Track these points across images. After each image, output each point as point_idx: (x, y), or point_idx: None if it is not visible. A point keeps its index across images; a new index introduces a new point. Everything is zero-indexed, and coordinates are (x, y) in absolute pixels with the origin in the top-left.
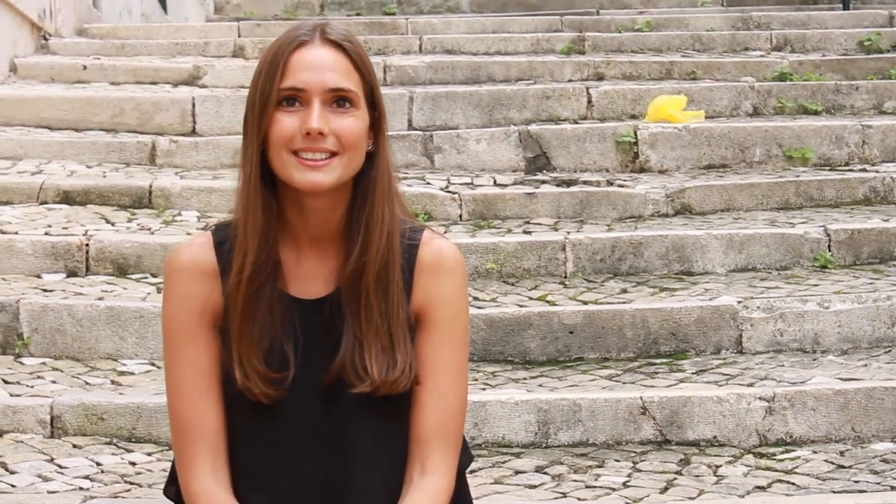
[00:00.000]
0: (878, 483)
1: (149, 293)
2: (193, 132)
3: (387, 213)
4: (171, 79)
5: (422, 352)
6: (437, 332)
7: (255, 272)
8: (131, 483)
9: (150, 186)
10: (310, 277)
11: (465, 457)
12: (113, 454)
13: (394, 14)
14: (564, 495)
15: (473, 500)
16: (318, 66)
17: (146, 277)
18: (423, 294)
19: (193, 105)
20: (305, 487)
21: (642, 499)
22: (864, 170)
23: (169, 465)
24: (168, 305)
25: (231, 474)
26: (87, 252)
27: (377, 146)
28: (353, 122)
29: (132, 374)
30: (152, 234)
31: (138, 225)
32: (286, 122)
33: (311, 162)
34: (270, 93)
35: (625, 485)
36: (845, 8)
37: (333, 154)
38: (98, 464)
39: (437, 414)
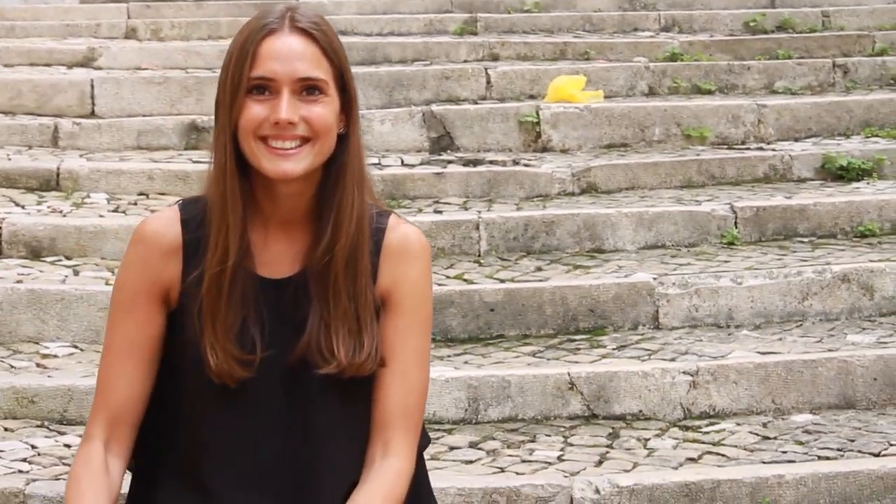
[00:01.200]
0: (804, 453)
1: (66, 276)
2: (93, 114)
3: (357, 197)
4: (65, 61)
5: (386, 336)
6: (402, 317)
7: (227, 255)
8: (68, 464)
9: (58, 169)
10: (277, 258)
11: (424, 439)
12: (46, 437)
13: None
14: (502, 469)
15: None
16: (287, 56)
17: (61, 260)
18: (389, 279)
19: (92, 87)
20: (270, 468)
21: (579, 472)
22: (761, 148)
23: None
24: (122, 272)
25: (195, 454)
26: (0, 235)
27: (348, 129)
28: (323, 110)
29: (56, 356)
30: (64, 216)
31: (48, 207)
32: (255, 110)
33: (280, 151)
34: (240, 81)
35: (559, 458)
36: None
37: (305, 140)
38: (33, 447)
39: (400, 397)
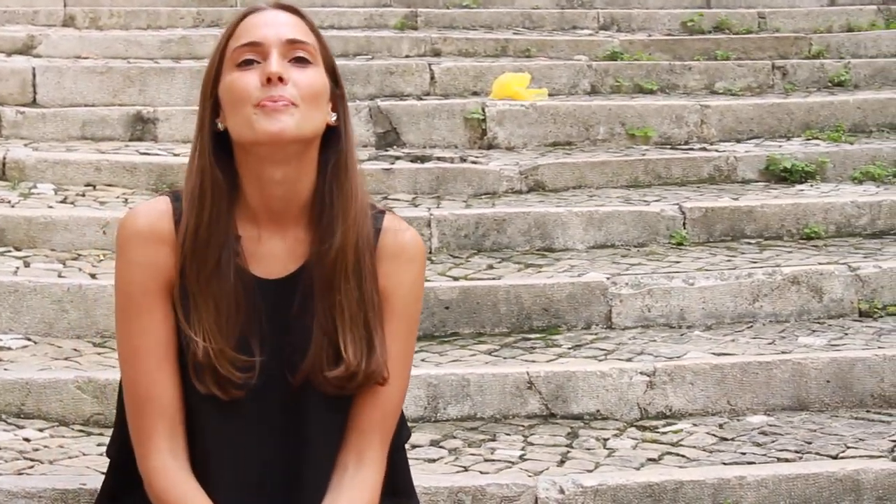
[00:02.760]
0: (763, 455)
1: (17, 267)
2: (34, 103)
3: (361, 191)
4: (4, 48)
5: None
6: (391, 320)
7: (210, 248)
8: (32, 459)
9: (4, 158)
10: (270, 256)
11: (405, 431)
12: (5, 431)
13: None
14: (466, 469)
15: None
16: (273, 23)
17: (10, 251)
18: (383, 281)
19: (34, 75)
20: (263, 476)
21: (542, 471)
22: (704, 149)
23: (64, 440)
24: (123, 272)
25: (198, 457)
26: None
27: (341, 122)
28: (313, 76)
29: (10, 349)
30: (13, 206)
31: None
32: (245, 79)
33: (272, 106)
34: (223, 56)
35: (521, 458)
36: None
37: (291, 104)
38: None
39: (380, 404)
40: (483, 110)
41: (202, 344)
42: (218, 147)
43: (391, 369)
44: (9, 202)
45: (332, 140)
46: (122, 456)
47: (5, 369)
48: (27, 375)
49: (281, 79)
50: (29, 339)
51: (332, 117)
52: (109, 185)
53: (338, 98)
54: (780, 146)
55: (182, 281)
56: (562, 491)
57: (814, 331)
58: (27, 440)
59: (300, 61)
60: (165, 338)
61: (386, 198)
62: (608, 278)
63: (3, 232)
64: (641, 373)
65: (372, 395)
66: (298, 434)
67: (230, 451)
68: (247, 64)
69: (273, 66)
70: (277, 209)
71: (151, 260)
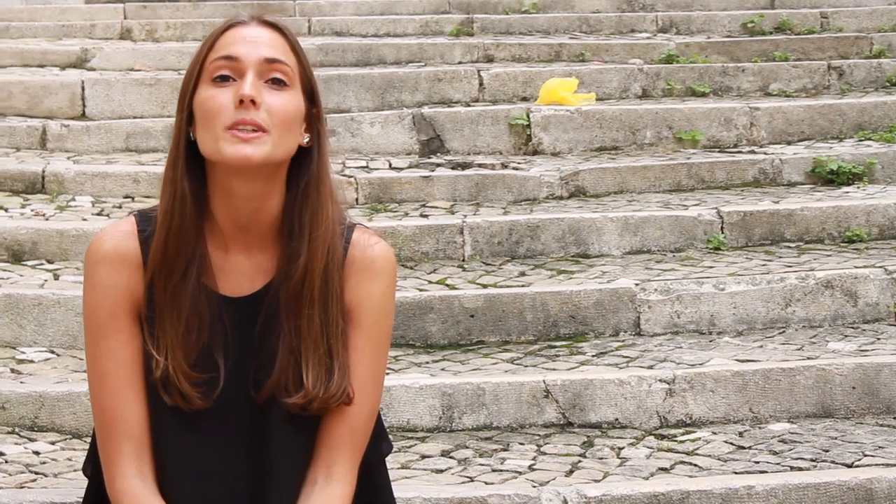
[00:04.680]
0: (777, 464)
1: (46, 280)
2: (83, 116)
3: (330, 213)
4: (58, 62)
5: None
6: (361, 334)
7: (177, 262)
8: (37, 472)
9: (44, 171)
10: (236, 273)
11: (386, 446)
12: (16, 444)
13: None
14: (472, 479)
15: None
16: (253, 40)
17: (42, 264)
18: (350, 295)
19: (83, 88)
20: (225, 493)
21: (548, 482)
22: (753, 151)
23: (74, 453)
24: (90, 295)
25: (160, 473)
26: None
27: (315, 142)
28: (287, 101)
29: (32, 361)
30: (47, 219)
31: (32, 210)
32: (219, 97)
33: (242, 135)
34: (202, 68)
35: (530, 468)
36: None
37: (262, 130)
38: (1, 454)
39: (350, 420)
40: (528, 116)
41: (163, 362)
42: (192, 158)
43: (358, 385)
44: (44, 215)
45: (305, 161)
46: (98, 474)
47: (22, 382)
48: (41, 388)
49: (254, 101)
50: (52, 352)
51: (305, 139)
52: (147, 197)
53: (313, 118)
54: (831, 148)
55: (149, 294)
56: (565, 501)
57: (846, 336)
58: (36, 453)
59: (276, 83)
60: (132, 360)
61: (424, 205)
62: (637, 284)
63: (36, 245)
64: (661, 380)
65: (339, 412)
66: (263, 452)
67: (195, 470)
68: (223, 80)
69: (247, 88)
70: (245, 225)
71: (116, 282)
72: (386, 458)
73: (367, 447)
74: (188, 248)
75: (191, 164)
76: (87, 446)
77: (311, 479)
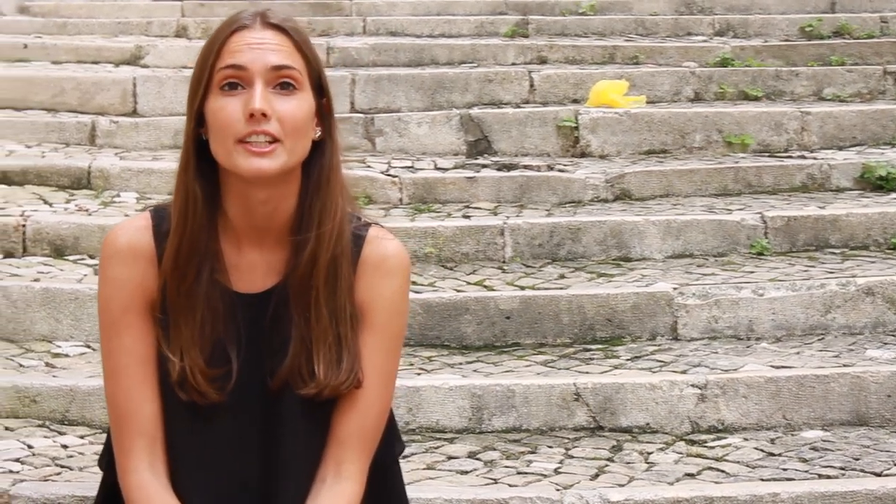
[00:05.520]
0: (806, 471)
1: (85, 275)
2: (135, 112)
3: (340, 206)
4: (112, 58)
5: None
6: (371, 334)
7: (191, 263)
8: (62, 466)
9: (90, 167)
10: (250, 270)
11: (399, 446)
12: (45, 437)
13: None
14: (495, 481)
15: (405, 486)
16: (259, 46)
17: (83, 259)
18: (364, 293)
19: (135, 85)
20: (235, 489)
21: (572, 485)
22: (803, 156)
23: (100, 448)
24: (104, 289)
25: (173, 468)
26: (24, 233)
27: (326, 135)
28: (298, 106)
29: (67, 356)
30: (90, 215)
31: (76, 206)
32: (229, 108)
33: (256, 148)
34: (211, 76)
35: (556, 471)
36: None
37: (275, 140)
38: (29, 447)
39: (360, 417)
40: (576, 118)
41: (178, 363)
42: (204, 160)
43: (369, 383)
44: (87, 210)
45: (317, 153)
46: (113, 468)
47: (54, 376)
48: (72, 382)
49: (265, 114)
50: (88, 347)
51: (317, 133)
52: None
53: (323, 110)
54: (882, 154)
55: (162, 297)
56: None
57: (885, 343)
58: (64, 447)
59: (285, 87)
60: (145, 354)
61: (468, 206)
62: (675, 289)
63: (78, 240)
64: (693, 385)
65: (351, 407)
66: (275, 446)
67: (207, 464)
68: (231, 88)
69: (257, 101)
70: (260, 225)
71: (130, 276)
72: (406, 459)
73: (379, 447)
74: (201, 250)
75: (203, 167)
76: None
77: (320, 477)
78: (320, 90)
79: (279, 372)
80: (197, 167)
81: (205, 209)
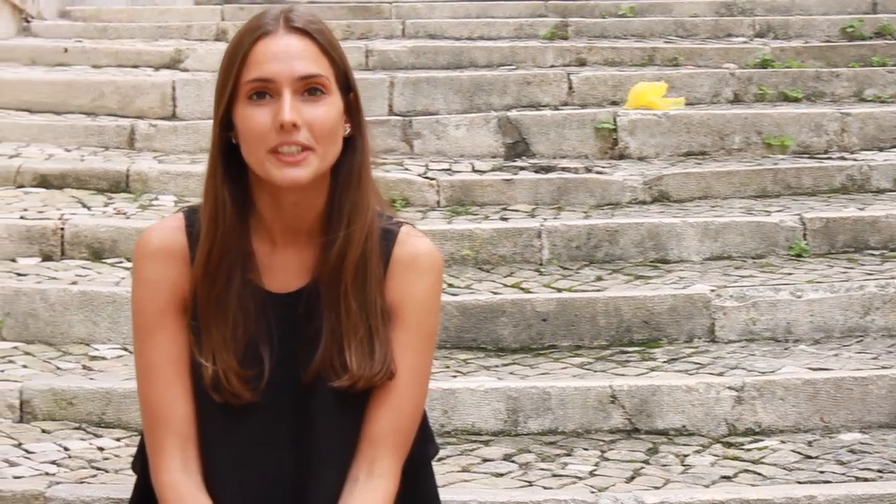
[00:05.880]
0: (843, 474)
1: (123, 278)
2: (174, 116)
3: (368, 202)
4: (152, 62)
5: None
6: (404, 332)
7: (222, 266)
8: (98, 468)
9: (128, 170)
10: (284, 269)
11: (432, 448)
12: (81, 439)
13: None
14: (530, 484)
15: (438, 489)
16: (285, 55)
17: (121, 262)
18: (395, 292)
19: (174, 89)
20: (270, 488)
21: (607, 488)
22: (843, 158)
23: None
24: (137, 290)
25: (206, 468)
26: (63, 236)
27: (356, 131)
28: (326, 112)
29: (104, 358)
30: (128, 218)
31: (114, 209)
32: (258, 118)
33: (288, 158)
34: (237, 85)
35: (591, 473)
36: None
37: (306, 148)
38: (66, 449)
39: (393, 415)
40: (614, 120)
41: (211, 367)
42: (232, 160)
43: (401, 381)
44: (125, 214)
45: (347, 150)
46: (147, 471)
47: (91, 378)
48: (109, 385)
49: (295, 125)
50: (125, 349)
51: (346, 130)
52: None
53: (351, 107)
54: None
55: (193, 302)
56: None
57: None
58: (101, 449)
59: (313, 92)
60: (178, 355)
61: (505, 209)
62: (712, 290)
63: (116, 243)
64: (729, 388)
65: (384, 405)
66: (308, 445)
67: (240, 464)
68: (259, 97)
69: (286, 114)
70: (292, 224)
71: (163, 277)
72: (441, 461)
73: (413, 447)
74: (232, 253)
75: (231, 171)
76: None
77: (352, 476)
78: (347, 87)
79: (311, 366)
80: (225, 171)
81: (235, 214)
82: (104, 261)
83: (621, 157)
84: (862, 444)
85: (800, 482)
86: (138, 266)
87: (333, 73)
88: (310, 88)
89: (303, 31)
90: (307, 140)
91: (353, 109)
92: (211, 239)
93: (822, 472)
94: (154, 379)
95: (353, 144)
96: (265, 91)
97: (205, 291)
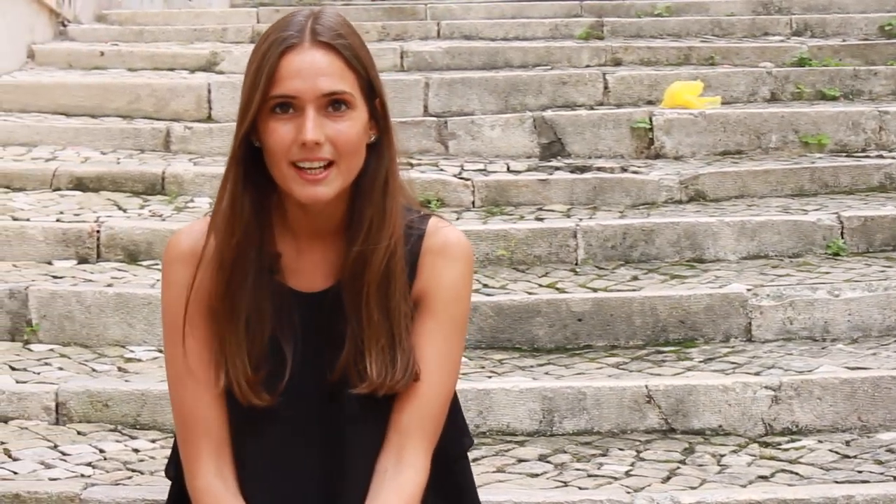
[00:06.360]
0: (881, 473)
1: (158, 280)
2: (209, 118)
3: (393, 207)
4: (188, 65)
5: (414, 337)
6: (432, 318)
7: (235, 272)
8: (133, 470)
9: (164, 173)
10: (311, 270)
11: (467, 440)
12: (117, 441)
13: None
14: (566, 484)
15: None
16: (309, 72)
17: (157, 264)
18: (424, 280)
19: (209, 91)
20: (302, 488)
21: (643, 488)
22: (881, 156)
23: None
24: (167, 294)
25: (238, 472)
26: (98, 239)
27: (383, 133)
28: (350, 127)
29: (140, 360)
30: (163, 220)
31: (150, 211)
32: (281, 132)
33: (310, 175)
34: (259, 99)
35: (627, 474)
36: None
37: (330, 163)
38: (101, 451)
39: (421, 405)
40: (650, 119)
41: (223, 377)
42: (253, 164)
43: (428, 369)
44: (161, 216)
45: (372, 155)
46: (181, 476)
47: (126, 380)
48: (144, 386)
49: (317, 142)
50: (160, 351)
51: (371, 137)
52: None
53: (377, 113)
54: None
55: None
56: None
57: None
58: (136, 451)
59: (337, 107)
60: (209, 358)
61: (540, 209)
62: (749, 290)
63: (151, 245)
64: (766, 387)
65: (412, 396)
66: (337, 446)
67: (273, 467)
68: (283, 109)
69: (309, 133)
70: (319, 227)
71: (190, 282)
72: (476, 461)
73: (447, 438)
74: (251, 256)
75: (254, 177)
76: None
77: (381, 468)
78: (372, 94)
79: (333, 370)
80: (247, 177)
81: (253, 222)
82: (140, 263)
83: (657, 156)
84: None
85: (837, 482)
86: (167, 269)
87: (358, 86)
88: (334, 103)
89: (328, 46)
90: (330, 154)
91: (378, 116)
92: (225, 244)
93: (859, 472)
94: (185, 383)
95: (379, 150)
96: (289, 104)
97: (219, 296)
